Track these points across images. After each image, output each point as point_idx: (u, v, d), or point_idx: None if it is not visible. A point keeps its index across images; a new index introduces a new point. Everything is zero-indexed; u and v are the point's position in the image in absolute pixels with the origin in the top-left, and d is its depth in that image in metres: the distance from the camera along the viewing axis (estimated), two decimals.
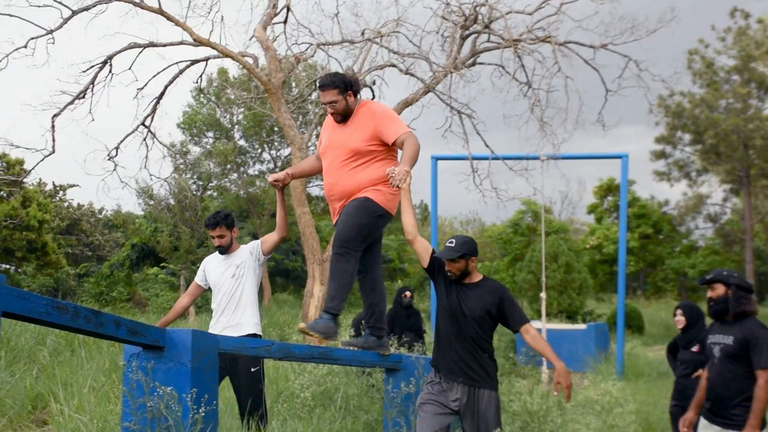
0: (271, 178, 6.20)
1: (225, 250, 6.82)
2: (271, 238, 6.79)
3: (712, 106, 35.52)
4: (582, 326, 20.03)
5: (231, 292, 6.64)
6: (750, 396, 5.37)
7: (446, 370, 5.65)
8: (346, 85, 5.79)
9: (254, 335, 6.64)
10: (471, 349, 5.60)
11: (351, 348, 5.87)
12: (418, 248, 5.87)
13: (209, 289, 6.95)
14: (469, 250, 5.68)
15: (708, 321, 6.61)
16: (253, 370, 6.55)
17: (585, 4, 15.78)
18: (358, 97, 5.99)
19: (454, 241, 5.72)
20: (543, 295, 16.75)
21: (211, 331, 6.37)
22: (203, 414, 4.71)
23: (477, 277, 5.78)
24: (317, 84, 6.29)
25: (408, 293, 12.09)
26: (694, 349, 7.82)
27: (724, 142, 34.73)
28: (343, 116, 5.85)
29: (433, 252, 5.89)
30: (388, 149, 5.88)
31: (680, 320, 8.17)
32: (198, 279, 6.96)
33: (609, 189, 44.63)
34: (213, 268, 6.83)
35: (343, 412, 8.17)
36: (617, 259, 19.14)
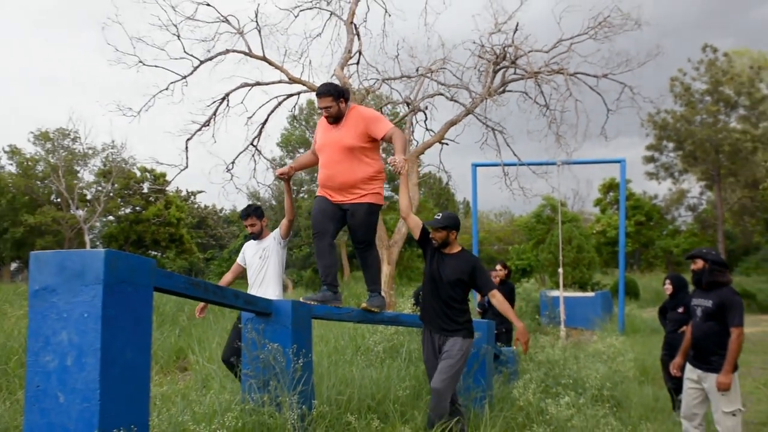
0: (278, 171, 5.95)
1: (257, 236, 6.63)
2: (284, 222, 6.53)
3: (689, 121, 36.44)
4: (591, 294, 19.91)
5: (258, 269, 6.50)
6: (725, 346, 5.53)
7: (428, 322, 5.67)
8: (338, 93, 5.60)
9: None
10: (445, 306, 5.54)
11: (311, 302, 5.39)
12: (411, 224, 5.76)
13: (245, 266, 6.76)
14: (451, 224, 5.58)
15: (691, 288, 6.71)
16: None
17: (590, 43, 15.77)
18: (348, 103, 5.75)
19: (441, 215, 5.64)
20: (560, 270, 16.71)
21: None
22: (301, 363, 4.74)
23: (456, 249, 5.66)
24: (316, 92, 5.80)
25: None
26: (680, 310, 7.85)
27: (700, 149, 35.61)
28: (336, 118, 5.63)
29: (423, 227, 5.74)
30: (374, 145, 5.69)
31: (668, 288, 8.24)
32: (239, 260, 6.77)
33: (610, 187, 44.52)
34: (248, 251, 6.66)
35: (407, 363, 8.11)
36: (618, 241, 18.91)
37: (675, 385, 7.53)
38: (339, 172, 5.58)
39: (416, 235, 5.78)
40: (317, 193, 5.85)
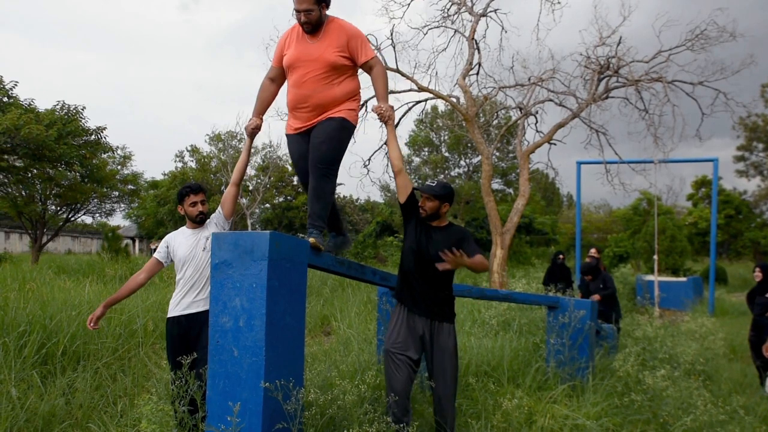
0: (249, 128, 4.32)
1: (204, 218, 4.52)
2: (227, 195, 4.54)
3: None
4: (683, 279, 19.15)
5: (203, 265, 4.38)
6: None
7: (410, 303, 4.22)
8: None
9: None
10: (434, 287, 4.21)
11: (327, 252, 4.02)
12: (400, 182, 4.29)
13: (167, 265, 4.57)
14: (446, 195, 4.27)
15: None
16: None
17: (687, 54, 15.09)
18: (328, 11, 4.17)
19: (437, 182, 4.37)
20: (655, 257, 16.29)
21: (177, 307, 4.33)
22: None
23: (444, 222, 4.36)
24: None
25: (561, 256, 11.84)
26: None
27: None
28: (314, 27, 4.02)
29: (412, 191, 4.33)
30: (354, 67, 4.19)
31: (758, 275, 7.86)
32: (159, 255, 4.52)
33: (702, 183, 42.41)
34: (180, 244, 4.48)
35: (518, 335, 8.02)
36: (709, 232, 18.05)
37: (763, 363, 7.28)
38: (316, 90, 4.06)
39: (403, 197, 4.32)
40: (287, 131, 4.31)
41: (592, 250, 10.77)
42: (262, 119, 4.35)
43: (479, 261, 4.03)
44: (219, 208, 4.53)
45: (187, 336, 4.22)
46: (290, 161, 4.32)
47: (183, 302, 4.32)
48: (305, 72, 4.03)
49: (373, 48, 3.98)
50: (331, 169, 4.03)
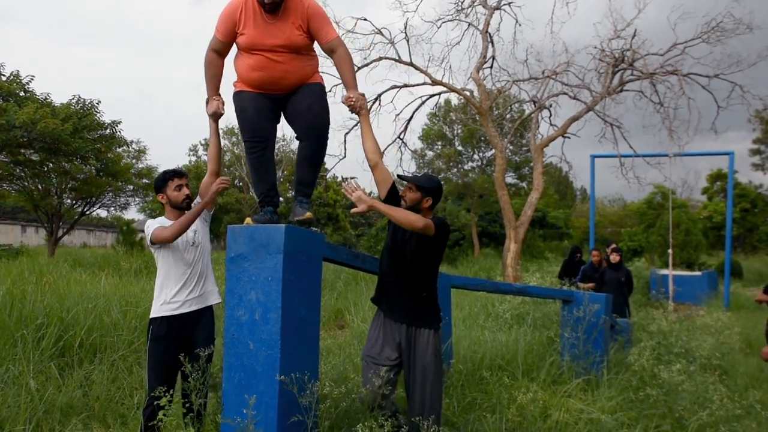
0: (212, 110, 3.84)
1: (190, 202, 4.08)
2: (205, 183, 4.10)
3: None
4: (698, 273, 18.99)
5: (194, 260, 3.99)
6: None
7: (386, 307, 3.83)
8: None
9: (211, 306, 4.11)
10: (412, 284, 3.74)
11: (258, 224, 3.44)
12: (378, 177, 3.90)
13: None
14: (430, 187, 3.76)
15: None
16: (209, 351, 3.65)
17: (702, 46, 14.98)
18: None
19: (422, 173, 3.95)
20: (670, 251, 16.13)
21: (162, 307, 3.89)
22: (441, 326, 4.73)
23: (426, 218, 3.67)
24: None
25: (579, 254, 11.76)
26: None
27: None
28: (277, 5, 3.51)
29: (393, 185, 3.91)
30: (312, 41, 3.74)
31: None
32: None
33: (717, 177, 42.18)
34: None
35: (532, 329, 8.00)
36: (723, 226, 17.92)
37: None
38: (288, 73, 3.65)
39: (383, 191, 3.92)
40: (239, 88, 3.77)
41: (612, 246, 10.53)
42: (221, 98, 3.88)
43: (402, 213, 3.56)
44: (198, 200, 4.10)
45: (179, 337, 3.86)
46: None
47: (171, 304, 3.89)
48: (271, 57, 3.61)
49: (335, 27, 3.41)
50: (327, 133, 3.77)
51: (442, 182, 3.86)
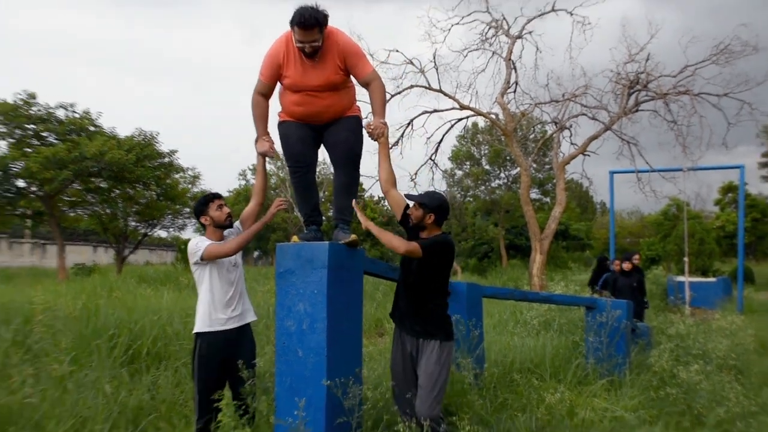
0: (263, 150, 3.79)
1: (232, 220, 3.93)
2: (250, 213, 4.06)
3: None
4: (712, 279, 18.67)
5: (235, 280, 3.84)
6: None
7: (399, 320, 3.78)
8: (325, 21, 3.49)
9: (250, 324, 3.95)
10: (417, 299, 3.66)
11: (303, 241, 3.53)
12: (392, 202, 3.89)
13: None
14: (429, 204, 3.65)
15: None
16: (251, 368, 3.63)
17: (712, 68, 14.84)
18: None
19: (426, 192, 3.84)
20: (686, 259, 15.84)
21: (209, 324, 3.74)
22: (477, 332, 4.74)
23: (431, 234, 3.68)
24: (297, 22, 3.35)
25: (608, 261, 11.57)
26: None
27: None
28: (316, 52, 3.52)
29: (406, 207, 3.80)
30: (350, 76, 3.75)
31: None
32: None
33: (729, 189, 41.21)
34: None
35: (558, 334, 7.92)
36: (736, 235, 17.63)
37: None
38: (329, 107, 3.72)
39: (398, 214, 3.87)
40: (283, 119, 3.85)
41: (636, 257, 10.18)
42: (272, 140, 3.84)
43: (387, 237, 3.55)
44: (238, 224, 4.04)
45: (224, 352, 3.70)
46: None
47: (215, 323, 3.74)
48: (313, 96, 3.66)
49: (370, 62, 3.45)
50: (359, 162, 3.81)
51: (445, 198, 3.81)
